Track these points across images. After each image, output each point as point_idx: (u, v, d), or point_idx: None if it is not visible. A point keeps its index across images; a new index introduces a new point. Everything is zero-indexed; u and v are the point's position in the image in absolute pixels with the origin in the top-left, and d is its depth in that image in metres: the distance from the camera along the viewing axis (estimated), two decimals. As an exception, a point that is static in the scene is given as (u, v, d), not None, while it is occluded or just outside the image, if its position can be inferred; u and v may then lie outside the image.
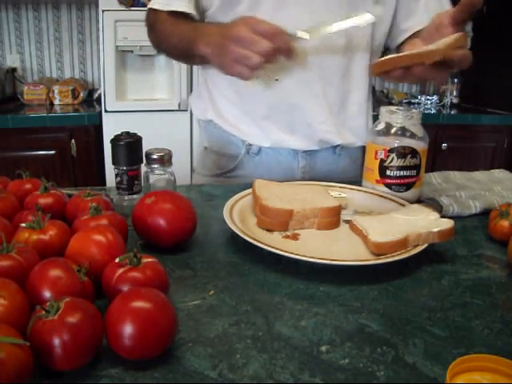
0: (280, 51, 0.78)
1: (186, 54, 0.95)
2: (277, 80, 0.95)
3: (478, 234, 0.76)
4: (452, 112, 2.75)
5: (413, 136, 0.83)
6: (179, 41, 0.94)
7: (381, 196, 0.84)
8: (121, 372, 0.42)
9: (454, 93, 2.94)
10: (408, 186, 0.84)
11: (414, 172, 0.83)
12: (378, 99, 2.78)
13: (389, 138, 0.83)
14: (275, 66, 0.92)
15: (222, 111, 1.04)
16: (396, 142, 0.82)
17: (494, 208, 0.77)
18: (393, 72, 0.76)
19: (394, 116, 0.83)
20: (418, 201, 0.85)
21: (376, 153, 0.83)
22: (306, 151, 1.03)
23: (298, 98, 0.97)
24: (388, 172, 0.83)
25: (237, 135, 1.03)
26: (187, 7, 0.96)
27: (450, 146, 2.53)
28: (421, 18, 0.98)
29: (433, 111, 2.70)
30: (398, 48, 1.04)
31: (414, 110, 0.85)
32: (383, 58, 0.75)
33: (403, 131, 0.83)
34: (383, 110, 0.86)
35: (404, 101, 2.77)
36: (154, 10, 0.99)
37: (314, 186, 0.82)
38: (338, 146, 1.04)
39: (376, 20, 0.84)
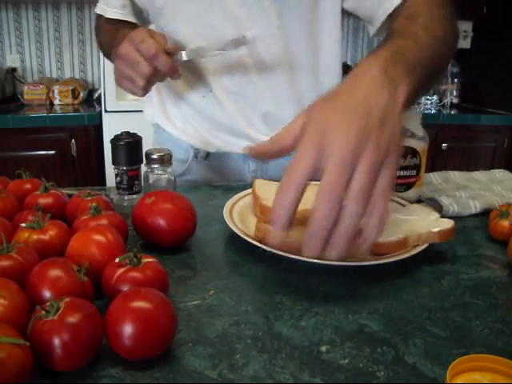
0: (160, 72, 0.78)
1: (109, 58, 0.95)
2: (211, 92, 0.94)
3: (478, 234, 0.76)
4: (452, 112, 2.75)
5: (413, 136, 0.83)
6: (105, 49, 0.97)
7: (381, 196, 0.84)
8: (121, 372, 0.42)
9: (454, 93, 2.94)
10: (408, 186, 0.84)
11: (413, 172, 0.83)
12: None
13: None
14: (204, 79, 0.94)
15: (170, 116, 1.03)
16: None
17: (494, 208, 0.77)
18: None
19: None
20: (418, 201, 0.85)
21: None
22: None
23: (231, 110, 0.95)
24: None
25: (183, 140, 1.02)
26: (120, 14, 0.97)
27: (450, 146, 2.54)
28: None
29: (433, 111, 2.70)
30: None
31: (413, 110, 0.84)
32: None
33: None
34: None
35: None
36: (101, 15, 1.01)
37: (314, 186, 0.82)
38: None
39: (247, 43, 0.83)
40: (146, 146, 0.83)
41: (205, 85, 0.95)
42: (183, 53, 0.80)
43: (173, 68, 0.79)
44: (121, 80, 0.82)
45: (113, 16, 0.97)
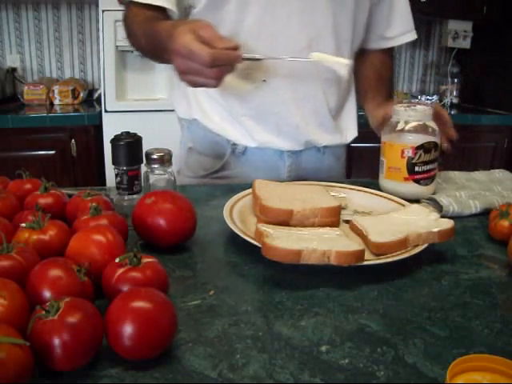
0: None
1: (157, 58, 0.91)
2: (264, 81, 0.94)
3: (478, 234, 0.76)
4: (452, 112, 2.75)
5: (433, 130, 0.86)
6: (146, 43, 0.89)
7: (381, 196, 0.84)
8: (121, 372, 0.42)
9: (454, 93, 2.94)
10: (432, 178, 0.87)
11: (435, 164, 0.86)
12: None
13: (411, 135, 0.85)
14: (259, 69, 0.93)
15: (207, 110, 1.01)
16: (421, 139, 0.84)
17: (494, 208, 0.77)
18: None
19: (413, 113, 0.86)
20: (418, 201, 0.85)
21: (403, 151, 0.85)
22: (290, 150, 1.02)
23: (285, 99, 0.96)
24: (417, 168, 0.85)
25: (222, 135, 1.01)
26: (166, 2, 0.90)
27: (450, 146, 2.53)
28: (400, 29, 1.07)
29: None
30: (359, 55, 1.06)
31: (424, 106, 0.87)
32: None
33: (424, 127, 0.86)
34: (399, 108, 0.88)
35: (404, 101, 2.77)
36: (133, 3, 0.92)
37: (314, 186, 0.82)
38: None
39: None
40: (146, 146, 0.83)
41: (259, 73, 0.94)
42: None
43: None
44: (186, 77, 0.78)
45: (158, 3, 0.89)
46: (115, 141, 0.80)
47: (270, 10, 0.91)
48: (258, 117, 0.98)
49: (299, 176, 1.02)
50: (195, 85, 0.79)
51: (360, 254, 0.59)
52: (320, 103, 0.99)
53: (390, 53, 1.14)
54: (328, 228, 0.67)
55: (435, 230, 0.65)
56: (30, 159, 2.12)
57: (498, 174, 1.03)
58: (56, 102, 2.37)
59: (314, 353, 0.46)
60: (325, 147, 1.05)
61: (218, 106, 1.00)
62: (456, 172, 1.02)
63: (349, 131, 1.08)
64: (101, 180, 2.20)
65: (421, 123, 0.86)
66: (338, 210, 0.72)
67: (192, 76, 0.76)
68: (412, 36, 1.09)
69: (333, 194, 0.83)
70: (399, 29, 1.07)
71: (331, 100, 1.01)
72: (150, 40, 0.87)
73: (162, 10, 0.92)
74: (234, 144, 1.01)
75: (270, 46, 0.91)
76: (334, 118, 1.03)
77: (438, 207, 0.82)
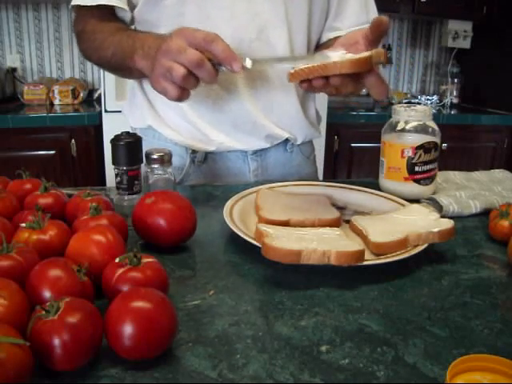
0: (216, 59, 0.69)
1: (122, 68, 0.86)
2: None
3: (478, 234, 0.76)
4: (452, 112, 2.75)
5: (433, 131, 0.86)
6: (113, 53, 0.84)
7: (381, 196, 0.84)
8: (121, 372, 0.42)
9: (454, 93, 2.95)
10: (432, 178, 0.87)
11: (435, 164, 0.87)
12: (377, 99, 2.78)
13: (411, 135, 0.86)
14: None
15: (161, 116, 0.96)
16: (421, 139, 0.85)
17: (494, 208, 0.77)
18: (313, 81, 0.69)
19: (414, 113, 0.86)
20: (418, 201, 0.85)
21: (403, 151, 0.85)
22: (255, 152, 0.98)
23: (239, 96, 0.91)
24: (417, 168, 0.85)
25: (179, 142, 0.96)
26: (118, 1, 0.87)
27: (450, 146, 2.53)
28: (351, 20, 0.96)
29: (433, 111, 2.70)
30: (317, 48, 1.00)
31: (425, 107, 0.89)
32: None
33: (424, 127, 0.86)
34: (400, 108, 0.88)
35: (404, 101, 2.77)
36: (79, 8, 0.89)
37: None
38: (288, 142, 1.01)
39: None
40: (146, 146, 0.83)
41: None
42: (248, 60, 0.71)
43: (232, 56, 0.69)
44: (157, 78, 0.73)
45: (112, 3, 0.86)
46: (115, 141, 0.80)
47: (213, 2, 0.86)
48: (214, 118, 0.93)
49: (267, 180, 0.97)
50: (167, 92, 0.72)
51: (360, 254, 0.59)
52: (277, 97, 0.94)
53: None
54: (328, 228, 0.67)
55: (435, 230, 0.65)
56: (30, 159, 2.12)
57: (498, 173, 1.03)
58: (56, 102, 2.37)
59: (314, 353, 0.46)
60: (292, 145, 1.01)
61: (171, 111, 0.95)
62: (456, 172, 1.02)
63: (317, 126, 1.04)
64: (101, 180, 2.20)
65: (421, 123, 0.86)
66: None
67: (169, 83, 0.71)
68: None
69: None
70: (350, 19, 0.96)
71: (288, 93, 0.95)
72: (120, 50, 0.83)
73: (112, 12, 0.90)
74: (193, 152, 0.97)
75: None
76: (298, 111, 0.98)
77: (438, 207, 0.82)
